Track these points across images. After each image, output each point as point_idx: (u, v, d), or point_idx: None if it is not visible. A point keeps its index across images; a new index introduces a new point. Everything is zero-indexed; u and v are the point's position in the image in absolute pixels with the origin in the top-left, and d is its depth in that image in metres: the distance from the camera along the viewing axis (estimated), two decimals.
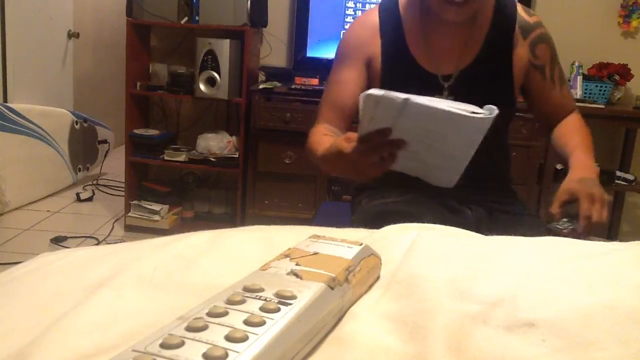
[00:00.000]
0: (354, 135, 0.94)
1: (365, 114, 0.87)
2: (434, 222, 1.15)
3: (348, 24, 2.93)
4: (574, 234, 1.03)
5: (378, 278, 0.60)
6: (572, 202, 1.06)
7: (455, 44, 1.26)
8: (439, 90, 1.24)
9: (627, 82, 2.87)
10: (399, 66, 1.25)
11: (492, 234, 0.78)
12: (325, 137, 1.15)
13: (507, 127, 1.37)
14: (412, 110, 0.85)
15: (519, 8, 1.30)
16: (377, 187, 1.32)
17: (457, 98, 1.21)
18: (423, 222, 0.89)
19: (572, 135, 1.27)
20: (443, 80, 1.24)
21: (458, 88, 1.24)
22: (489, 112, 0.85)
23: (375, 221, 0.90)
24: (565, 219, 1.08)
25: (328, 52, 2.94)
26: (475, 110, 0.86)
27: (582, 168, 1.14)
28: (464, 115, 0.85)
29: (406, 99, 0.83)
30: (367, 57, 1.28)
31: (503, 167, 1.36)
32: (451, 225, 0.81)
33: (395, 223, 0.82)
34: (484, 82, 1.26)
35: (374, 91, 0.85)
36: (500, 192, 1.31)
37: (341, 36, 2.97)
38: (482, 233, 0.81)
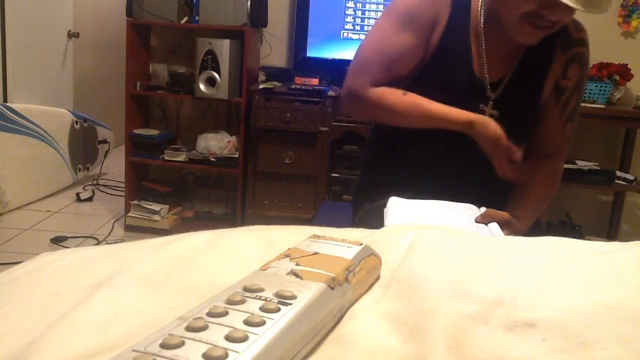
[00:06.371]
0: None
1: None
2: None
3: (348, 24, 2.92)
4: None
5: (378, 278, 0.60)
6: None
7: (505, 55, 1.23)
8: (484, 99, 1.22)
9: (627, 82, 2.87)
10: (454, 57, 1.22)
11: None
12: (411, 96, 1.19)
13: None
14: None
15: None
16: (378, 189, 1.31)
17: (500, 109, 1.22)
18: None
19: (535, 189, 1.26)
20: (490, 91, 1.22)
21: (503, 102, 1.22)
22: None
23: (379, 216, 0.89)
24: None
25: (328, 52, 2.94)
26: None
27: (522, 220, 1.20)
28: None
29: None
30: (434, 21, 1.20)
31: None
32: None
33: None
34: (524, 99, 1.25)
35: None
36: (505, 197, 1.30)
37: (341, 36, 2.99)
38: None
